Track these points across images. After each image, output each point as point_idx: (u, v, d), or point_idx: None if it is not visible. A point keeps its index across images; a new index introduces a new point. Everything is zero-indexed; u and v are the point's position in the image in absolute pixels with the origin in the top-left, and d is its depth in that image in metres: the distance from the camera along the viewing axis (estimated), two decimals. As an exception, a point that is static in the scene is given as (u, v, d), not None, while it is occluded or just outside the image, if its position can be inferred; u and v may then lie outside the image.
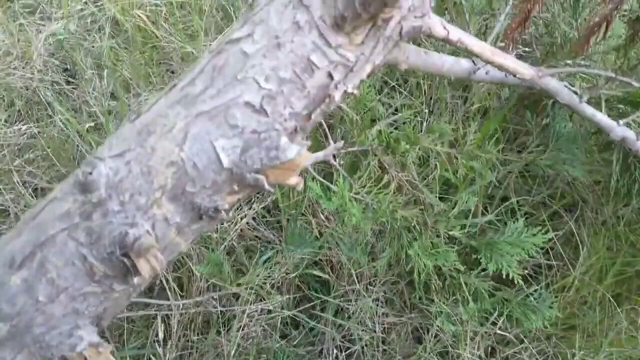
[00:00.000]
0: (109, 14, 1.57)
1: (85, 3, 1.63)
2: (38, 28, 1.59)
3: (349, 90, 0.55)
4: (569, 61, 0.77)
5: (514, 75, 0.62)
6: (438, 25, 0.57)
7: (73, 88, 1.46)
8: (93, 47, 1.53)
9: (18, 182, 1.24)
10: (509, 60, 0.61)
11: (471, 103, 1.09)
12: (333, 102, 0.54)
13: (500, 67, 0.61)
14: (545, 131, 1.06)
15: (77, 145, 1.32)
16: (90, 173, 0.50)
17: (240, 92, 0.50)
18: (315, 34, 0.49)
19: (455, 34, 0.58)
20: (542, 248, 1.09)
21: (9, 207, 1.20)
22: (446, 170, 0.94)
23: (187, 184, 0.51)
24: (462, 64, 0.72)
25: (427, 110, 1.05)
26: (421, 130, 1.12)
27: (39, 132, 1.34)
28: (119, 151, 0.51)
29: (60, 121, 1.33)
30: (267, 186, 0.52)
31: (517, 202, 1.12)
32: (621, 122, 0.72)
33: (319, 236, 1.15)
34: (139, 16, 1.47)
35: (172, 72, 1.48)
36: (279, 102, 0.51)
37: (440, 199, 1.10)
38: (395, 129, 1.03)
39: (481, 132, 1.00)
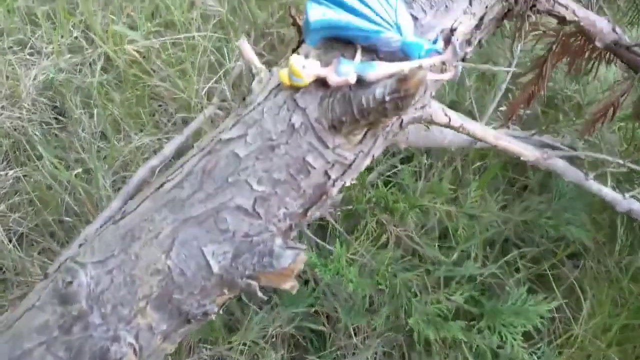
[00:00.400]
0: (100, 50, 1.54)
1: (76, 38, 1.60)
2: (27, 64, 1.55)
3: (347, 184, 0.52)
4: (573, 125, 0.75)
5: (519, 158, 0.60)
6: (439, 113, 0.54)
7: (62, 127, 1.43)
8: (84, 82, 1.49)
9: (1, 231, 1.20)
10: (513, 144, 0.58)
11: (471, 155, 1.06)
12: (331, 198, 0.51)
13: (504, 151, 0.59)
14: (546, 181, 1.04)
15: (65, 189, 1.28)
16: (71, 282, 0.47)
17: (231, 195, 0.47)
18: (311, 135, 0.46)
19: (457, 120, 0.55)
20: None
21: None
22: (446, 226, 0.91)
23: (174, 292, 0.48)
24: (463, 136, 0.69)
25: (425, 162, 1.03)
26: (420, 178, 1.09)
27: (24, 176, 1.30)
28: (102, 257, 0.48)
29: (48, 165, 1.29)
30: (259, 293, 0.48)
31: (520, 253, 1.09)
32: (627, 195, 0.69)
33: (315, 286, 1.11)
34: (131, 52, 1.44)
35: (165, 110, 1.45)
36: (272, 203, 0.48)
37: (439, 247, 1.07)
38: (393, 185, 1.00)
39: (480, 182, 0.97)
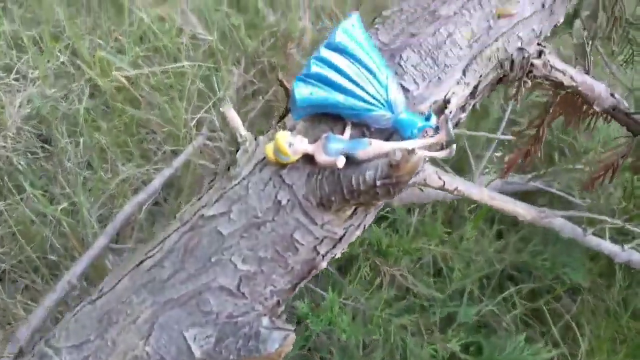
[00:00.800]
0: (87, 75, 1.50)
1: (62, 63, 1.57)
2: (13, 90, 1.52)
3: (338, 255, 0.49)
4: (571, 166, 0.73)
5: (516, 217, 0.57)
6: (433, 177, 0.52)
7: (48, 156, 1.39)
8: (70, 109, 1.46)
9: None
10: (509, 204, 0.56)
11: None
12: (320, 270, 0.49)
13: (500, 211, 0.56)
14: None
15: (50, 223, 1.25)
16: (43, 369, 0.44)
17: (215, 275, 0.44)
18: (298, 212, 0.44)
19: (452, 183, 0.53)
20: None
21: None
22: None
23: (153, 378, 0.45)
24: (459, 188, 0.67)
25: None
26: (414, 213, 1.07)
27: (6, 210, 1.27)
28: (77, 342, 0.45)
29: (32, 198, 1.26)
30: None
31: (516, 290, 1.07)
32: (626, 247, 0.67)
33: (307, 326, 1.09)
34: (119, 78, 1.41)
35: (153, 139, 1.42)
36: (258, 282, 0.45)
37: (434, 282, 1.04)
38: (386, 219, 0.97)
39: (474, 222, 0.95)
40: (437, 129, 0.41)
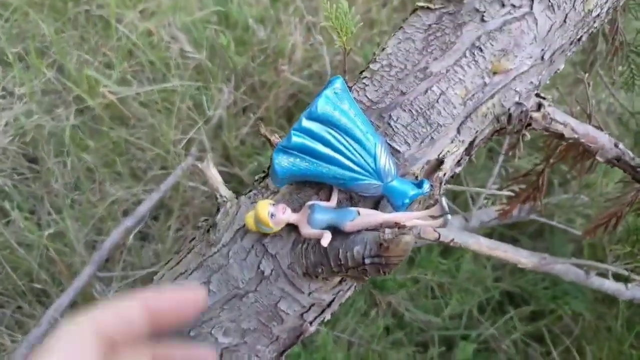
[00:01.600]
0: (74, 93, 1.47)
1: (49, 80, 1.53)
2: (-2, 108, 1.48)
3: (328, 318, 0.47)
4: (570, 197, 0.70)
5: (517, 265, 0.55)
6: (428, 230, 0.49)
7: (35, 176, 1.36)
8: (57, 128, 1.42)
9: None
10: (510, 253, 0.53)
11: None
12: (308, 334, 0.46)
13: (501, 260, 0.54)
14: (537, 235, 0.99)
15: (37, 248, 1.22)
16: None
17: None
18: (283, 282, 0.41)
19: (447, 235, 0.50)
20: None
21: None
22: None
23: None
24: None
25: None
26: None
27: (-6, 234, 1.23)
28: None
29: (19, 222, 1.22)
30: None
31: (516, 312, 1.04)
32: (629, 285, 0.65)
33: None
34: (107, 95, 1.37)
35: (142, 158, 1.38)
36: (241, 354, 0.43)
37: (432, 306, 1.02)
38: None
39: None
40: (431, 189, 0.38)
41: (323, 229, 0.37)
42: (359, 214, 0.37)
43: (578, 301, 0.85)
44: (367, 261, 0.35)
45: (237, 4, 1.29)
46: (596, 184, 0.77)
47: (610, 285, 0.64)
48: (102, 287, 1.12)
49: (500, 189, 0.63)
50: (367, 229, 0.37)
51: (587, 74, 0.66)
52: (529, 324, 1.09)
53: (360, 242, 0.36)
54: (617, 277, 0.66)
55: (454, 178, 0.46)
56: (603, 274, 0.66)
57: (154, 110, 1.34)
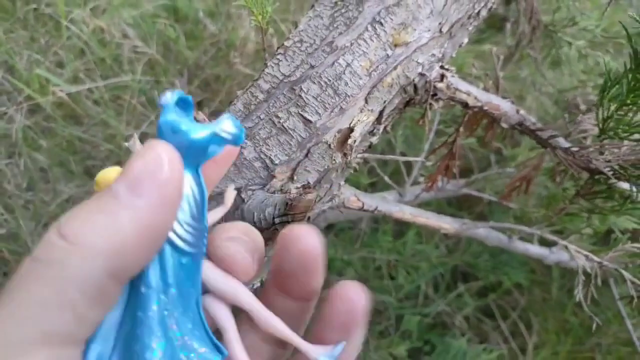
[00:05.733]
0: (25, 93, 1.45)
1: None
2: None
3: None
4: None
5: (440, 231, 0.58)
6: (352, 199, 0.52)
7: (-14, 178, 1.34)
8: (9, 127, 1.40)
9: None
10: (432, 220, 0.57)
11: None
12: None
13: (424, 226, 0.57)
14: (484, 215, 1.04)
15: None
16: None
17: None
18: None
19: (371, 203, 0.53)
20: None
21: None
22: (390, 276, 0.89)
23: None
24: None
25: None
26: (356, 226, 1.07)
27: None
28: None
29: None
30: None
31: (465, 287, 1.09)
32: (554, 249, 0.69)
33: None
34: (58, 94, 1.36)
35: (96, 156, 1.38)
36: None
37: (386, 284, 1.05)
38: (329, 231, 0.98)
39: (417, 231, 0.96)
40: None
41: None
42: None
43: (516, 271, 0.89)
44: (276, 220, 0.38)
45: (186, -2, 1.30)
46: (522, 154, 0.81)
47: (534, 250, 0.68)
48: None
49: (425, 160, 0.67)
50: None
51: (513, 54, 0.70)
52: (479, 299, 1.14)
53: (271, 204, 0.38)
54: (544, 243, 0.70)
55: (371, 148, 0.49)
56: (530, 241, 0.70)
57: (106, 107, 1.34)
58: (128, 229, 0.19)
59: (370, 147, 0.49)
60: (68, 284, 0.19)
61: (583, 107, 0.62)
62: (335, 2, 0.43)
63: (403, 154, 0.86)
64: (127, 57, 1.38)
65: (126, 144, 0.46)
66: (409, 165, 0.80)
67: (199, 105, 1.38)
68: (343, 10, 0.43)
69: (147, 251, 0.20)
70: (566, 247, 0.56)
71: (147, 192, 0.19)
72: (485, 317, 1.15)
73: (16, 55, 1.48)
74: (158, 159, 0.20)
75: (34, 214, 1.23)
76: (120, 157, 1.27)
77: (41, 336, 0.18)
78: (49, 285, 0.19)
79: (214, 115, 1.17)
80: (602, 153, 0.50)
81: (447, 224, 0.57)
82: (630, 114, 0.45)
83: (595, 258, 0.54)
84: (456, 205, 1.06)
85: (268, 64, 0.44)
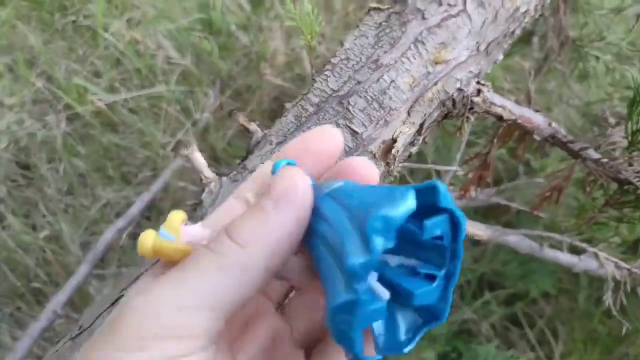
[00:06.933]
0: (65, 100, 1.52)
1: (39, 90, 1.58)
2: (-11, 118, 1.53)
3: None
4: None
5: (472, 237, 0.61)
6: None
7: (29, 182, 1.41)
8: (48, 136, 1.47)
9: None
10: (466, 226, 0.59)
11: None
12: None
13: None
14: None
15: (33, 251, 1.26)
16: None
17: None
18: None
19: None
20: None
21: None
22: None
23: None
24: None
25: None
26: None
27: (-9, 239, 1.28)
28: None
29: (15, 226, 1.27)
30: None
31: (493, 295, 1.11)
32: (582, 257, 0.71)
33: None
34: (96, 102, 1.42)
35: (132, 163, 1.44)
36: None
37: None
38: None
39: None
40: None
41: None
42: None
43: (544, 279, 0.91)
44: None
45: (220, 11, 1.35)
46: (551, 167, 0.83)
47: (563, 257, 0.70)
48: (98, 284, 1.17)
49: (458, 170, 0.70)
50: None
51: (541, 67, 0.72)
52: (506, 307, 1.16)
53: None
54: (573, 252, 0.72)
55: (411, 157, 0.52)
56: (560, 248, 0.72)
57: (142, 115, 1.40)
58: (277, 236, 0.25)
59: (410, 157, 0.53)
60: (236, 271, 0.24)
61: (612, 120, 0.64)
62: (380, 23, 0.47)
63: (433, 163, 0.88)
64: (161, 67, 1.44)
65: (186, 152, 0.51)
66: (438, 175, 0.83)
67: (230, 114, 1.43)
68: (387, 30, 0.46)
69: (289, 252, 0.26)
70: (596, 255, 0.58)
71: (286, 208, 0.25)
72: (511, 326, 1.16)
73: (55, 65, 1.55)
74: (294, 184, 0.26)
75: (74, 217, 1.29)
76: (157, 164, 1.32)
77: (207, 304, 0.24)
78: (221, 269, 0.24)
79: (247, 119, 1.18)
80: (631, 164, 0.52)
81: (480, 230, 0.60)
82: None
83: (625, 265, 0.56)
84: (483, 215, 1.08)
85: (317, 79, 0.48)
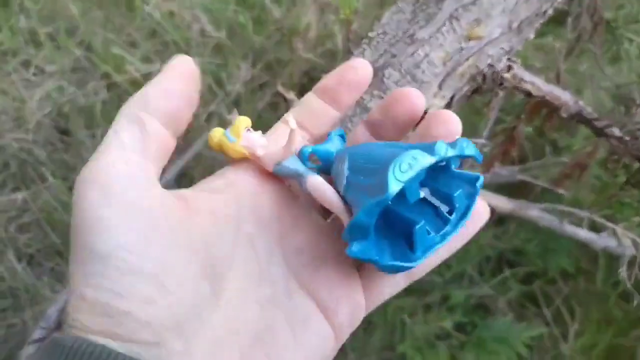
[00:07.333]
0: (102, 70, 1.57)
1: (78, 59, 1.63)
2: (31, 85, 1.60)
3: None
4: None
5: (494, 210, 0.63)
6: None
7: (67, 148, 1.47)
8: (86, 103, 1.53)
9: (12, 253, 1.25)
10: (489, 197, 0.62)
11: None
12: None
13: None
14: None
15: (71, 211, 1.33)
16: None
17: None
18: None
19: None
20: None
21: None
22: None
23: None
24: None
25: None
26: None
27: (32, 198, 1.35)
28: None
29: (53, 187, 1.34)
30: None
31: (511, 272, 1.13)
32: (602, 234, 0.73)
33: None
34: (132, 72, 1.47)
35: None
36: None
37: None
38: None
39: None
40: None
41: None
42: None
43: (563, 258, 0.93)
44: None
45: (255, -14, 1.37)
46: (577, 147, 0.84)
47: (583, 233, 0.72)
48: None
49: (485, 145, 0.72)
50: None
51: (573, 48, 0.74)
52: (524, 285, 1.18)
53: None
54: (593, 228, 0.74)
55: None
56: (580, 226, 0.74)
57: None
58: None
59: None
60: None
61: (639, 100, 0.65)
62: (417, 0, 0.49)
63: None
64: (195, 40, 1.48)
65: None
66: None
67: (261, 87, 1.46)
68: (424, 7, 0.48)
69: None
70: (614, 231, 0.60)
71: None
72: (528, 303, 1.19)
73: (93, 35, 1.60)
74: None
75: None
76: (189, 133, 1.36)
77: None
78: None
79: (276, 96, 1.24)
80: (655, 144, 0.54)
81: (503, 203, 0.62)
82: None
83: (643, 242, 0.58)
84: (507, 193, 1.10)
85: (354, 52, 0.51)
